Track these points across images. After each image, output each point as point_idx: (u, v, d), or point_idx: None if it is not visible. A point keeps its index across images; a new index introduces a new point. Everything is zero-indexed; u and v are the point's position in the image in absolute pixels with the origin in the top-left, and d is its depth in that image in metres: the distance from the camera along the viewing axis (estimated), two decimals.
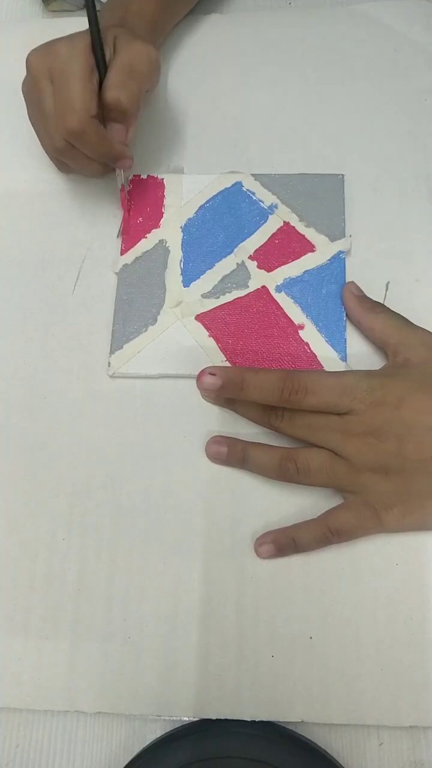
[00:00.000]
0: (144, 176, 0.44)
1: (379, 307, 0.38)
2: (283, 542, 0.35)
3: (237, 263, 0.41)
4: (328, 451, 0.34)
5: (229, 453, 0.36)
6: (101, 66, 0.37)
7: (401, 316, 0.37)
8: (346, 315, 0.39)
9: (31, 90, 0.38)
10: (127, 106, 0.37)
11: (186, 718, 0.34)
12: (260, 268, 0.41)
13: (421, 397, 0.33)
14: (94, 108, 0.36)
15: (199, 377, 0.36)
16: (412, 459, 0.33)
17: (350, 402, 0.33)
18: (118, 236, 0.43)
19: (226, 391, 0.36)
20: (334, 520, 0.34)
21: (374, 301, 0.39)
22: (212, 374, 0.36)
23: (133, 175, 0.44)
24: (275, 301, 0.40)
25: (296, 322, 0.40)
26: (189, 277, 0.41)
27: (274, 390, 0.34)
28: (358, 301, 0.38)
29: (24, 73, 0.38)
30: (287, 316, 0.40)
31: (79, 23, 0.38)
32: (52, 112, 0.37)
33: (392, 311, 0.38)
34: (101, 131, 0.37)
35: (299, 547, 0.35)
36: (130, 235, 0.42)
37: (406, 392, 0.33)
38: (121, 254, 0.42)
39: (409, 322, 0.37)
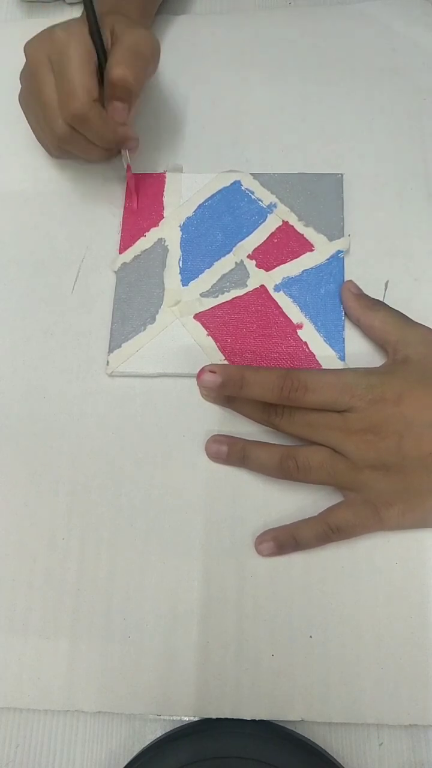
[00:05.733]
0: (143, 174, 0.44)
1: (378, 305, 0.38)
2: (284, 540, 0.35)
3: (236, 262, 0.41)
4: (328, 449, 0.34)
5: (229, 452, 0.36)
6: (100, 50, 0.37)
7: (401, 313, 0.37)
8: (346, 313, 0.39)
9: (31, 79, 0.39)
10: (133, 83, 0.38)
11: (186, 718, 0.34)
12: (259, 268, 0.41)
13: (420, 394, 0.33)
14: (95, 92, 0.37)
15: (198, 375, 0.36)
16: (412, 456, 0.33)
17: (350, 399, 0.33)
18: (118, 232, 0.43)
19: (226, 389, 0.36)
20: (335, 517, 0.34)
21: (373, 299, 0.39)
22: (212, 372, 0.36)
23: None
24: (274, 300, 0.40)
25: (295, 321, 0.39)
26: (188, 276, 0.41)
27: (274, 388, 0.34)
28: (357, 299, 0.38)
29: (15, 71, 0.39)
30: (286, 315, 0.40)
31: (63, 17, 0.38)
32: (54, 100, 0.37)
33: (392, 308, 0.38)
34: (103, 114, 0.38)
35: (300, 545, 0.35)
36: (128, 234, 0.43)
37: (406, 389, 0.33)
38: (120, 253, 0.42)
39: (409, 319, 0.37)
